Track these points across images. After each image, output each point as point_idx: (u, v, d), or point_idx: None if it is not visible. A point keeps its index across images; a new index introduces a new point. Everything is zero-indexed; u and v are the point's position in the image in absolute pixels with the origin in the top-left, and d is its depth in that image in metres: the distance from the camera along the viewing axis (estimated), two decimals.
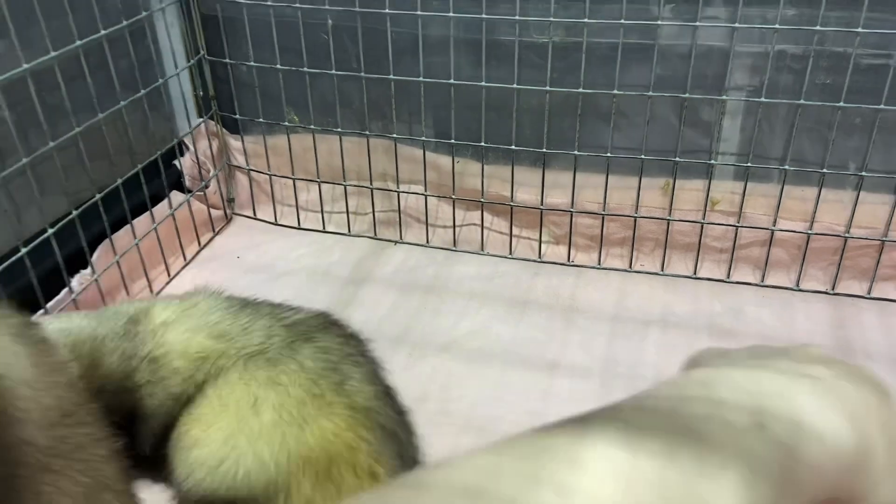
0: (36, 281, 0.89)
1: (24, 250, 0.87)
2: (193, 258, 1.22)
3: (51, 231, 0.91)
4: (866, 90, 0.97)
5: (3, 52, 0.87)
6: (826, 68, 0.98)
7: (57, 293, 0.95)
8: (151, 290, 1.13)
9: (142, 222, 1.11)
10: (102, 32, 0.98)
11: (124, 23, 1.03)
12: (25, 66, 0.86)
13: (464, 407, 0.92)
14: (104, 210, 1.01)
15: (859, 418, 0.33)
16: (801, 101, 0.98)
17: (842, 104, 0.97)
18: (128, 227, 1.08)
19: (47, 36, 0.89)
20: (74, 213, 0.95)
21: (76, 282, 0.97)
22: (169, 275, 1.17)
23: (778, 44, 0.98)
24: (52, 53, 0.89)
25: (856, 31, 0.92)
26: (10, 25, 0.83)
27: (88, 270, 1.00)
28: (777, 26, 0.95)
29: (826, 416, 0.32)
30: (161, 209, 1.16)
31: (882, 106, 0.96)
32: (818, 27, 0.93)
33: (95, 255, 1.02)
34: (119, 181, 1.03)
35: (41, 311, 0.92)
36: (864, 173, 1.01)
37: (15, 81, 0.86)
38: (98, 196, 0.99)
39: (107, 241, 1.03)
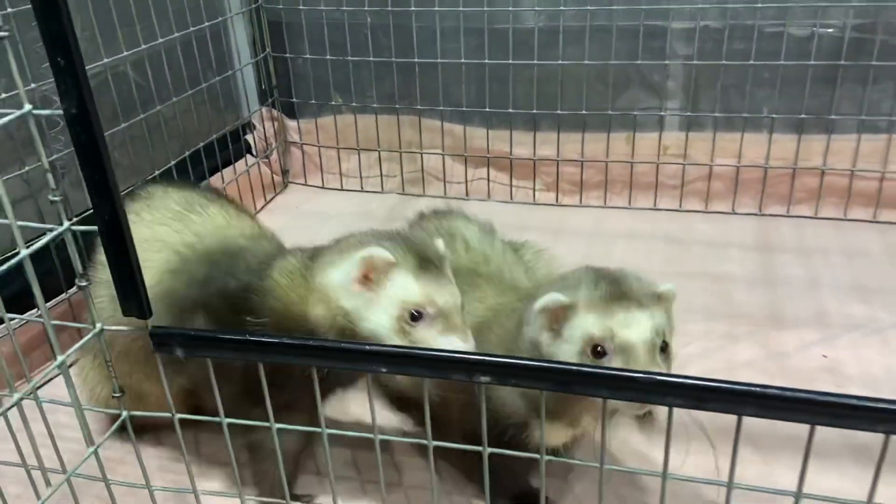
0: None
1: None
2: (262, 208, 1.55)
3: (167, 167, 1.25)
4: (770, 51, 1.31)
5: (127, 37, 1.22)
6: (740, 37, 1.33)
7: None
8: None
9: (226, 175, 1.45)
10: (191, 29, 1.34)
11: (206, 24, 1.38)
12: (126, 53, 1.20)
13: None
14: (204, 159, 1.35)
15: None
16: (723, 62, 1.33)
17: (752, 62, 1.31)
18: (218, 174, 1.41)
19: (157, 29, 1.24)
20: (172, 162, 1.29)
21: None
22: None
23: (702, 20, 1.33)
24: (154, 42, 1.24)
25: (755, 5, 1.28)
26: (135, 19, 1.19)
27: None
28: (700, 5, 1.30)
29: None
30: (239, 168, 1.49)
31: (782, 62, 1.30)
32: (729, 4, 1.28)
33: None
34: (202, 144, 1.38)
35: None
36: (774, 116, 1.35)
37: (138, 60, 1.21)
38: (187, 153, 1.34)
39: (217, 174, 1.37)
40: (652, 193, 1.47)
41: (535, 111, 1.46)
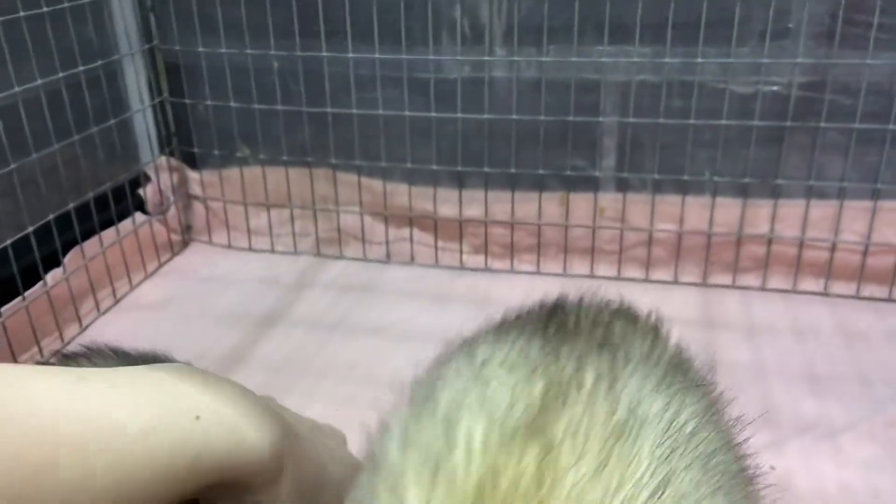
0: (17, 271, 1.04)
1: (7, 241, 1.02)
2: (154, 272, 1.37)
3: (31, 228, 1.07)
4: (712, 109, 1.20)
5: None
6: (679, 94, 1.22)
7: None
8: (115, 297, 1.27)
9: (107, 237, 1.27)
10: (81, 68, 1.17)
11: (98, 62, 1.22)
12: (17, 89, 1.03)
13: (388, 370, 1.07)
14: (77, 221, 1.17)
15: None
16: (661, 120, 1.21)
17: (692, 121, 1.20)
18: (95, 238, 1.23)
19: (36, 69, 1.07)
20: (51, 216, 1.11)
21: (49, 277, 1.12)
22: (131, 285, 1.31)
23: (639, 74, 1.21)
24: (39, 81, 1.07)
25: (694, 60, 1.17)
26: (7, 57, 1.02)
27: (60, 269, 1.15)
28: (636, 59, 1.18)
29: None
30: (125, 227, 1.32)
31: (724, 121, 1.19)
32: (666, 59, 1.17)
33: (67, 257, 1.17)
34: (91, 194, 1.20)
35: (19, 298, 1.06)
36: (717, 179, 1.23)
37: (11, 104, 1.04)
38: (71, 205, 1.16)
39: (77, 246, 1.18)
40: (588, 259, 1.34)
41: (460, 168, 1.32)
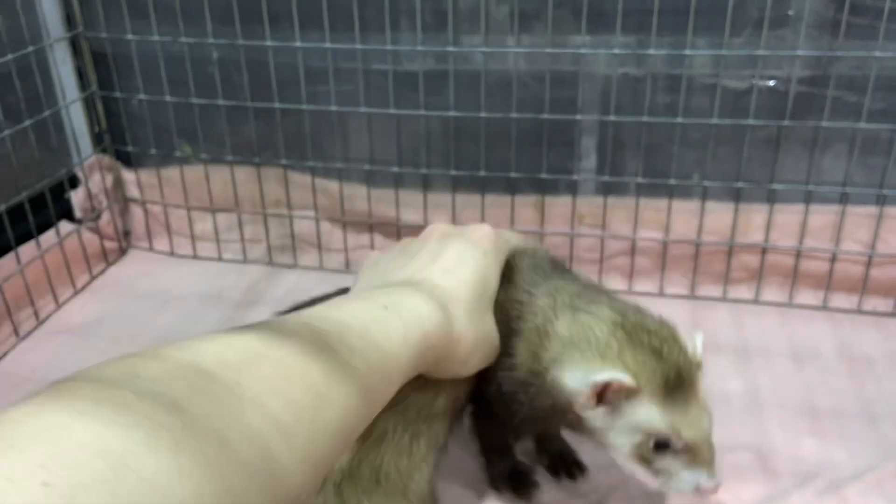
0: None
1: None
2: (84, 287, 1.23)
3: None
4: (701, 107, 1.08)
5: None
6: (665, 89, 1.09)
7: None
8: (38, 318, 1.14)
9: (28, 251, 1.13)
10: None
11: (9, 56, 1.07)
12: None
13: None
14: (8, 226, 1.03)
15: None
16: (645, 118, 1.08)
17: (680, 119, 1.07)
18: (12, 255, 1.09)
19: None
20: None
21: None
22: (57, 303, 1.17)
23: (621, 67, 1.08)
24: None
25: (682, 52, 1.04)
26: None
27: None
28: (617, 51, 1.05)
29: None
30: (49, 239, 1.17)
31: (715, 120, 1.07)
32: (650, 51, 1.04)
33: None
34: (2, 206, 1.05)
35: None
36: (706, 183, 1.11)
37: None
38: None
39: None
40: None
41: (424, 171, 1.19)
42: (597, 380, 0.63)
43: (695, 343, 0.68)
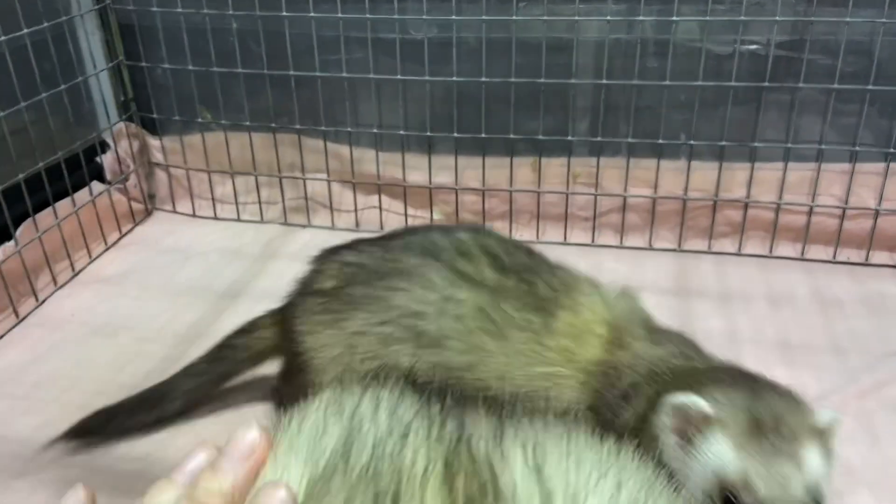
0: None
1: None
2: (114, 244, 1.33)
3: None
4: (687, 70, 1.16)
5: None
6: (654, 53, 1.17)
7: None
8: (73, 269, 1.23)
9: (64, 208, 1.22)
10: (24, 31, 1.11)
11: (45, 24, 1.16)
12: None
13: None
14: (28, 193, 1.12)
15: None
16: (635, 81, 1.17)
17: (667, 82, 1.16)
18: (49, 210, 1.18)
19: None
20: (0, 186, 1.06)
21: (0, 251, 1.07)
22: (90, 256, 1.27)
23: (612, 34, 1.16)
24: None
25: (670, 19, 1.12)
26: None
27: (12, 243, 1.10)
28: (609, 18, 1.14)
29: None
30: (83, 198, 1.27)
31: (700, 82, 1.15)
32: (640, 17, 1.12)
33: (19, 231, 1.12)
34: (41, 164, 1.14)
35: None
36: (692, 142, 1.20)
37: None
38: (21, 176, 1.10)
39: (30, 219, 1.14)
40: (562, 226, 1.30)
41: (429, 133, 1.27)
42: (670, 402, 0.59)
43: (823, 415, 0.61)
